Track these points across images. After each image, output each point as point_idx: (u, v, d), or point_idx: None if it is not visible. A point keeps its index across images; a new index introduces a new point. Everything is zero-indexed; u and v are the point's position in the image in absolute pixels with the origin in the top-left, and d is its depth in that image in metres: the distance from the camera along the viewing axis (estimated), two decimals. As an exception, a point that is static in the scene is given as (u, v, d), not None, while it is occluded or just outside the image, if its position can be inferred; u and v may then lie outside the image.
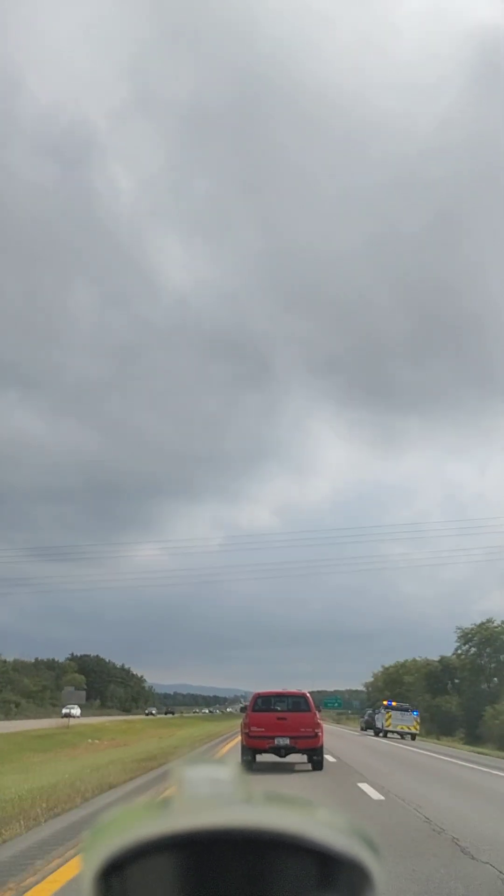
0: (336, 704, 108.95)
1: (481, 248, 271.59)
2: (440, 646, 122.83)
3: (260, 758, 17.12)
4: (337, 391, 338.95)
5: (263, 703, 17.31)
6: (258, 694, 17.86)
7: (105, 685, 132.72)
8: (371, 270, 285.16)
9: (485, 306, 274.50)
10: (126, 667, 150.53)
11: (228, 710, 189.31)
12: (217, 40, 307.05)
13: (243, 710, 19.58)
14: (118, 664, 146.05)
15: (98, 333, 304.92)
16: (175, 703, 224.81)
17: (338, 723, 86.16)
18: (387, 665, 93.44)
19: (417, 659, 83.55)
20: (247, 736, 16.94)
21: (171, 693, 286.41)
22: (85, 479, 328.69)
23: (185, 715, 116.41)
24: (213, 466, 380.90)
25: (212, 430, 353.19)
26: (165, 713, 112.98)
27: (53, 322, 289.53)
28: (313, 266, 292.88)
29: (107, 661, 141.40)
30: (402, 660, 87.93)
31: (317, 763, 16.72)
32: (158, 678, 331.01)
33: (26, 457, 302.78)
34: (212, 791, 0.79)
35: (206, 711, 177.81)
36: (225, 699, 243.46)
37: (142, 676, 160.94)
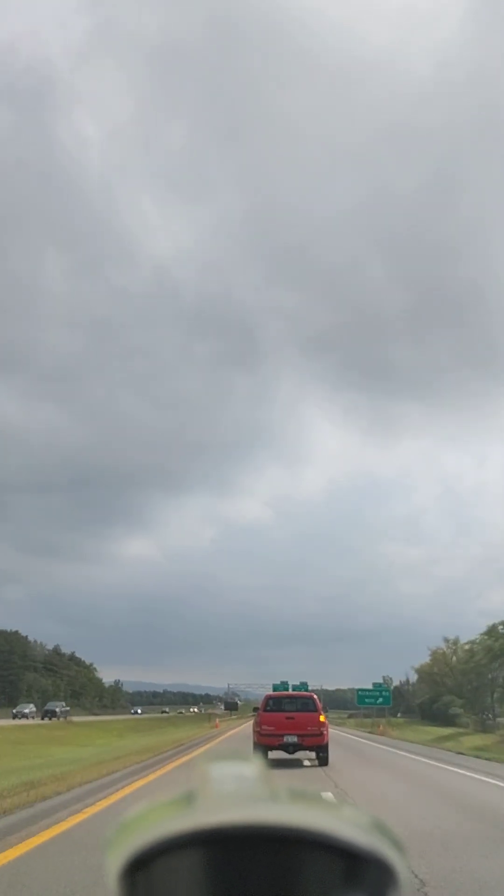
0: (382, 700, 57.91)
1: (483, 204, 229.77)
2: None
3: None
4: (330, 372, 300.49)
5: (274, 704, 19.57)
6: (269, 695, 20.64)
7: (18, 673, 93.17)
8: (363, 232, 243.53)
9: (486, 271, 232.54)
10: (64, 651, 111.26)
11: (193, 709, 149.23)
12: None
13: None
14: (48, 645, 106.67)
15: (71, 305, 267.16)
16: (164, 702, 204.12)
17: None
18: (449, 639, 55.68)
19: None
20: (258, 734, 19.14)
21: (161, 691, 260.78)
22: (65, 468, 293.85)
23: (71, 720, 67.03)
24: (201, 455, 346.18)
25: (197, 414, 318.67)
26: None
27: (21, 293, 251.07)
28: (300, 228, 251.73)
29: (30, 640, 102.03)
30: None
31: (323, 759, 18.78)
32: (156, 678, 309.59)
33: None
34: (237, 788, 0.78)
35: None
36: (218, 698, 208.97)
37: (91, 664, 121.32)
